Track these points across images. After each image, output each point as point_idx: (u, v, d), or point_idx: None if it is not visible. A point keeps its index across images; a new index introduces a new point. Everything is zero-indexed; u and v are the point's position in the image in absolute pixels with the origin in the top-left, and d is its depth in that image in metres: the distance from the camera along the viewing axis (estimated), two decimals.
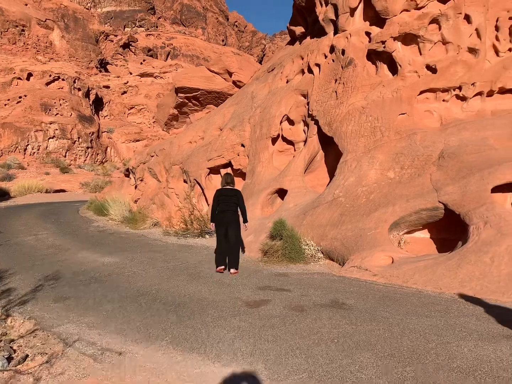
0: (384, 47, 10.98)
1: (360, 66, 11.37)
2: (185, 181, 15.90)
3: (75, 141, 53.23)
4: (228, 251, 9.12)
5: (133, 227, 15.49)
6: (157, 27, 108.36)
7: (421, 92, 10.95)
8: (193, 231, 13.48)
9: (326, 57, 12.56)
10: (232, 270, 8.96)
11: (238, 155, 14.15)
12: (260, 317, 6.18)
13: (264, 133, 13.33)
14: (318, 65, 12.65)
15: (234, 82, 18.85)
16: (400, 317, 6.05)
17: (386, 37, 10.92)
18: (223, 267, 9.10)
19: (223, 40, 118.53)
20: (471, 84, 10.74)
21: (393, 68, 11.27)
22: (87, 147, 54.66)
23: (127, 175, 20.86)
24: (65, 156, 52.06)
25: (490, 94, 10.90)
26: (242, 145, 14.15)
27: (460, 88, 10.81)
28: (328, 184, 11.50)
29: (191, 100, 19.58)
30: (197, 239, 13.20)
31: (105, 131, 59.46)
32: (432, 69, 10.83)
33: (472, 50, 10.71)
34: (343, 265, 9.09)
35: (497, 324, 5.70)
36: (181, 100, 19.52)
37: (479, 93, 10.88)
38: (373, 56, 11.44)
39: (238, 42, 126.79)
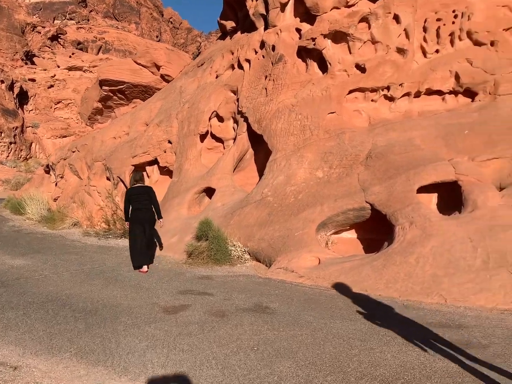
0: (314, 44, 10.81)
1: (290, 63, 11.14)
2: (108, 179, 15.11)
3: None
4: (145, 249, 8.89)
5: (51, 227, 14.51)
6: (88, 20, 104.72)
7: (350, 92, 10.87)
8: (116, 232, 12.77)
9: (256, 52, 12.25)
10: (145, 268, 8.83)
11: (165, 152, 13.57)
12: (178, 324, 5.74)
13: (192, 129, 12.84)
14: (248, 60, 12.32)
15: (162, 76, 18.16)
16: (324, 321, 5.79)
17: (316, 34, 10.74)
18: (146, 267, 8.81)
19: (157, 36, 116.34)
20: (399, 85, 10.77)
21: (323, 66, 11.12)
22: (10, 143, 51.69)
23: (48, 172, 19.64)
24: None
25: (417, 95, 10.98)
26: (169, 142, 13.58)
27: (388, 88, 10.82)
28: (257, 183, 11.19)
29: (116, 93, 18.70)
30: (119, 240, 12.50)
31: (29, 126, 56.49)
32: (361, 68, 10.77)
33: (400, 50, 10.74)
34: (270, 266, 8.79)
35: (421, 328, 5.55)
36: (106, 93, 18.59)
37: (407, 94, 10.93)
38: (304, 53, 11.25)
39: (173, 39, 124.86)
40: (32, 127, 57.04)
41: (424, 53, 10.99)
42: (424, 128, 10.05)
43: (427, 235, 7.58)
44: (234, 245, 9.45)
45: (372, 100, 10.97)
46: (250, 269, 8.95)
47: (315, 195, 9.44)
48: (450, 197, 8.98)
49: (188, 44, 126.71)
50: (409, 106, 11.01)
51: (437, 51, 10.95)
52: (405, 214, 8.06)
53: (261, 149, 11.96)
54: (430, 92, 10.97)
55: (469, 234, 7.38)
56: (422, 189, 8.70)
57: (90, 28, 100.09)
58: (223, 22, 14.88)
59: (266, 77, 11.66)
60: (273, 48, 11.57)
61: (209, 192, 12.02)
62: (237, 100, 12.37)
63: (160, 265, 9.46)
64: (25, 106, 60.22)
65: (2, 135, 50.46)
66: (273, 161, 10.59)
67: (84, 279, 8.11)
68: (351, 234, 9.45)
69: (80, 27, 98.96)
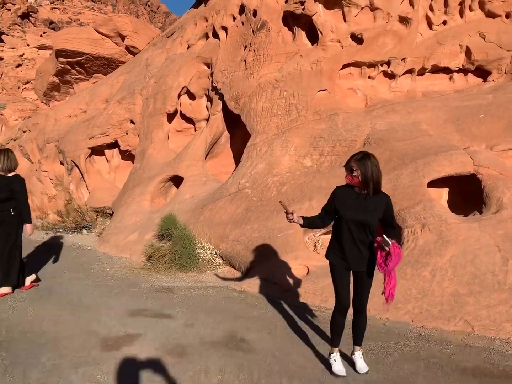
0: (303, 9, 9.11)
1: (275, 30, 9.41)
2: (62, 163, 13.21)
3: None
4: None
5: None
6: (63, 0, 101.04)
7: (344, 66, 9.26)
8: (68, 225, 10.97)
9: (235, 18, 10.45)
10: (5, 289, 6.23)
11: (127, 133, 11.73)
12: (116, 369, 4.08)
13: (159, 108, 11.03)
14: (225, 28, 10.52)
15: (127, 48, 16.17)
16: (319, 366, 4.20)
17: None
18: (8, 288, 6.26)
19: None
20: (401, 60, 9.22)
21: (313, 35, 9.44)
22: None
23: None
24: None
25: (421, 72, 9.48)
26: (132, 122, 11.74)
27: (388, 63, 9.26)
28: (233, 172, 9.51)
29: (74, 66, 16.60)
30: (70, 235, 10.71)
31: None
32: (357, 39, 9.16)
33: (403, 20, 9.15)
34: (246, 274, 7.15)
35: (458, 380, 4.00)
36: (63, 66, 16.48)
37: (410, 71, 9.41)
38: (290, 19, 9.54)
39: (151, 23, 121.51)
40: None
41: (430, 24, 9.44)
42: (430, 110, 8.55)
43: (444, 241, 6.08)
44: (204, 247, 7.78)
45: (369, 77, 9.39)
46: (221, 278, 7.29)
47: (302, 187, 7.81)
48: (463, 193, 7.50)
49: (166, 28, 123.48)
50: (412, 85, 9.48)
51: (444, 22, 9.44)
52: (415, 214, 6.52)
53: (238, 132, 10.25)
54: (436, 69, 9.46)
55: (496, 241, 5.92)
56: (432, 183, 7.18)
57: (65, 8, 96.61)
58: None
59: (245, 47, 9.90)
60: (255, 13, 9.81)
61: (177, 181, 10.29)
62: (211, 74, 10.59)
63: (112, 270, 7.75)
64: None
65: None
66: (252, 146, 8.90)
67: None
68: None
69: (55, 8, 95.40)
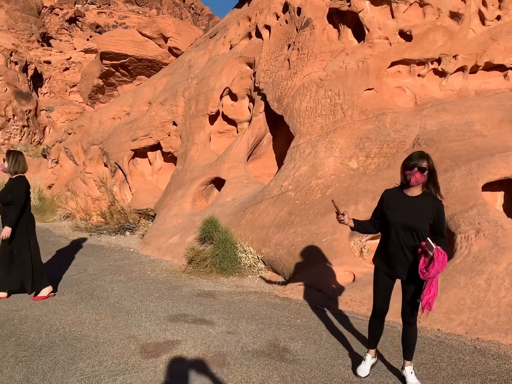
0: (349, 5, 8.81)
1: (319, 28, 9.14)
2: (105, 165, 13.30)
3: (10, 118, 48.82)
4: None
5: (39, 219, 12.75)
6: (109, 5, 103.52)
7: (392, 64, 8.89)
8: (112, 227, 11.00)
9: (278, 17, 10.23)
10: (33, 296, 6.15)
11: (169, 135, 11.68)
12: (154, 380, 3.92)
13: (201, 109, 10.93)
14: (268, 27, 10.31)
15: (170, 50, 16.16)
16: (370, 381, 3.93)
17: None
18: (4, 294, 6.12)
19: None
20: (453, 57, 8.77)
21: (359, 33, 9.13)
22: (23, 126, 50.25)
23: (45, 156, 17.92)
24: None
25: (474, 70, 9.00)
26: (174, 123, 11.67)
27: (439, 60, 8.83)
28: (275, 174, 9.29)
29: (118, 69, 16.74)
30: (113, 236, 10.72)
31: (44, 110, 55.06)
32: (406, 35, 8.77)
33: (454, 15, 8.70)
34: (289, 280, 6.91)
35: None
36: (107, 68, 16.65)
37: (461, 69, 8.95)
38: (336, 17, 9.25)
39: (194, 25, 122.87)
40: (46, 110, 55.63)
41: (483, 20, 8.96)
42: (484, 110, 8.10)
43: (500, 248, 5.69)
44: (245, 250, 7.59)
45: (418, 75, 8.98)
46: (263, 283, 7.07)
47: (348, 190, 7.52)
48: None
49: (208, 31, 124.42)
50: (464, 83, 9.01)
51: (498, 17, 8.91)
52: (469, 219, 6.13)
53: (281, 133, 10.02)
54: (489, 67, 8.98)
55: None
56: (485, 186, 6.77)
57: (111, 12, 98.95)
58: None
59: (289, 46, 9.67)
60: (299, 11, 9.57)
61: (218, 183, 10.14)
62: (254, 74, 10.40)
63: (153, 273, 7.65)
64: (39, 89, 58.81)
65: (15, 118, 49.08)
66: (296, 147, 8.66)
67: None
68: None
69: (101, 12, 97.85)
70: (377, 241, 7.49)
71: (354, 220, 4.04)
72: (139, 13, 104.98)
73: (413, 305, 3.83)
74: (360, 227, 4.10)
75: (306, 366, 4.21)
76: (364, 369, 4.06)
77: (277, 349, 4.59)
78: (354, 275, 6.44)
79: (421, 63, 8.89)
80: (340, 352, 4.56)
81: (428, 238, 3.48)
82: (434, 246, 3.41)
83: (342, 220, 3.91)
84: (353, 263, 6.61)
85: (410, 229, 3.70)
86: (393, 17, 8.88)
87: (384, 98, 8.63)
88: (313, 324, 5.36)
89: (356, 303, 5.86)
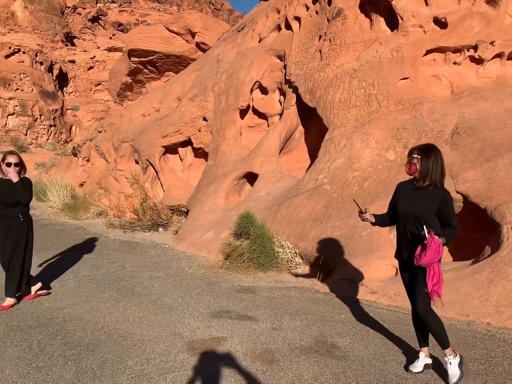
0: None
1: (351, 18, 8.98)
2: (136, 162, 13.36)
3: (37, 118, 49.68)
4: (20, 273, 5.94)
5: (73, 216, 12.91)
6: (130, 3, 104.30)
7: (427, 52, 8.67)
8: (145, 223, 11.05)
9: (308, 8, 10.10)
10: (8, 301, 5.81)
11: (199, 130, 11.65)
12: (205, 377, 3.90)
13: (231, 103, 10.87)
14: (298, 18, 10.18)
15: (197, 45, 16.11)
16: (425, 378, 3.82)
17: None
18: (13, 300, 5.80)
19: None
20: (490, 43, 8.49)
21: (392, 22, 8.94)
22: (50, 125, 51.14)
23: (75, 155, 18.11)
24: (26, 135, 48.54)
25: (511, 56, 8.70)
26: (204, 119, 11.64)
27: (475, 47, 8.57)
28: (309, 168, 9.19)
29: (146, 65, 16.77)
30: (147, 233, 10.77)
31: (69, 109, 55.89)
32: (441, 23, 8.54)
33: (490, 1, 8.44)
34: (329, 275, 6.83)
35: None
36: (135, 65, 16.69)
37: (499, 55, 8.66)
38: (368, 6, 9.08)
39: None
40: (72, 109, 56.42)
41: None
42: None
43: None
44: (282, 245, 7.52)
45: (454, 63, 8.74)
46: (303, 278, 7.01)
47: (386, 182, 7.38)
48: None
49: (230, 25, 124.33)
50: (502, 70, 8.72)
51: None
52: None
53: (313, 125, 9.91)
54: None
55: None
56: None
57: (132, 11, 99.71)
58: None
59: (320, 37, 9.53)
60: (329, 1, 9.42)
61: (251, 178, 10.09)
62: (284, 67, 10.30)
63: (191, 269, 7.64)
64: (65, 88, 59.64)
65: (42, 117, 49.90)
66: (330, 140, 8.54)
67: (92, 291, 6.36)
68: None
69: (123, 10, 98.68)
70: None
71: (374, 215, 4.17)
72: (159, 10, 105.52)
73: (418, 295, 3.83)
74: (379, 221, 4.22)
75: (357, 362, 4.13)
76: (415, 364, 3.97)
77: (325, 345, 4.53)
78: (396, 268, 6.31)
79: (457, 50, 8.65)
80: (390, 348, 4.47)
81: (425, 227, 3.56)
82: (427, 235, 3.49)
83: (366, 218, 4.05)
84: None
85: (413, 217, 3.79)
86: (426, 4, 8.67)
87: (420, 87, 8.43)
88: (358, 319, 5.28)
89: (401, 297, 5.74)
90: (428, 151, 3.78)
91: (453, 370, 3.72)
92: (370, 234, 6.79)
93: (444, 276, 5.89)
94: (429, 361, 4.02)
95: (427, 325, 3.86)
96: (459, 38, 8.50)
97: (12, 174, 5.68)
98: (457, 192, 6.59)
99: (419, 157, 3.76)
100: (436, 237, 3.52)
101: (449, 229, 3.69)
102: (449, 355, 3.75)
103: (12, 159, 5.71)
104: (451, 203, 3.74)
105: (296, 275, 7.13)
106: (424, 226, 3.57)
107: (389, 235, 6.82)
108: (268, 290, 6.43)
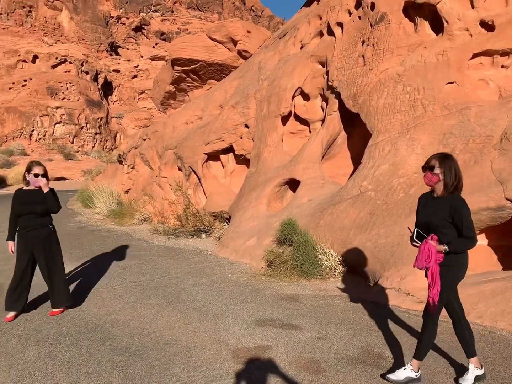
0: None
1: (395, 22, 8.87)
2: (180, 169, 13.55)
3: (83, 126, 51.25)
4: (48, 285, 5.97)
5: (119, 222, 13.21)
6: (172, 12, 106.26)
7: (474, 56, 8.45)
8: (188, 230, 11.19)
9: (350, 14, 10.04)
10: (54, 310, 5.90)
11: (241, 137, 11.74)
12: None
13: (273, 110, 10.90)
14: (340, 24, 10.14)
15: (239, 53, 16.24)
16: None
17: None
18: (14, 313, 5.71)
19: None
20: None
21: (437, 26, 8.77)
22: (96, 133, 52.67)
23: (121, 162, 18.53)
24: (72, 143, 50.12)
25: None
26: (246, 126, 11.72)
27: None
28: (352, 174, 9.10)
29: (189, 74, 17.03)
30: (190, 239, 10.90)
31: (114, 117, 57.40)
32: (488, 26, 8.32)
33: None
34: (374, 283, 6.73)
35: None
36: (178, 74, 16.98)
37: None
38: (412, 10, 8.94)
39: None
40: (117, 117, 57.90)
41: None
42: None
43: None
44: (326, 253, 7.46)
45: (502, 66, 8.49)
46: (347, 287, 6.92)
47: None
48: None
49: (270, 31, 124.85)
50: None
51: None
52: None
53: (356, 131, 9.82)
54: None
55: None
56: None
57: (174, 19, 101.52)
58: None
59: (363, 42, 9.45)
60: (372, 6, 9.34)
61: (293, 184, 10.07)
62: (327, 73, 10.25)
63: (234, 276, 7.68)
64: (109, 97, 61.30)
65: (88, 125, 51.43)
66: (374, 145, 8.44)
67: (138, 297, 6.48)
68: (481, 240, 7.11)
69: (165, 19, 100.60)
70: None
71: None
72: (201, 18, 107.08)
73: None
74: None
75: None
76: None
77: (371, 355, 4.46)
78: None
79: (504, 53, 8.40)
80: (438, 359, 4.37)
81: (418, 230, 3.74)
82: (415, 238, 3.72)
83: (417, 246, 3.88)
84: None
85: (430, 227, 3.78)
86: (473, 7, 8.46)
87: (467, 91, 8.23)
88: (405, 329, 5.17)
89: None
90: (449, 161, 3.73)
91: (466, 380, 3.86)
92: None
93: (493, 285, 5.76)
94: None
95: (421, 329, 3.95)
96: (507, 40, 8.26)
97: (42, 184, 5.72)
98: (507, 199, 6.39)
99: (442, 169, 3.70)
100: (433, 242, 3.63)
101: (460, 240, 3.67)
102: (472, 364, 3.92)
103: (39, 170, 5.70)
104: (464, 212, 3.65)
105: (340, 284, 7.06)
106: (418, 230, 3.73)
107: None
108: (312, 298, 6.38)
